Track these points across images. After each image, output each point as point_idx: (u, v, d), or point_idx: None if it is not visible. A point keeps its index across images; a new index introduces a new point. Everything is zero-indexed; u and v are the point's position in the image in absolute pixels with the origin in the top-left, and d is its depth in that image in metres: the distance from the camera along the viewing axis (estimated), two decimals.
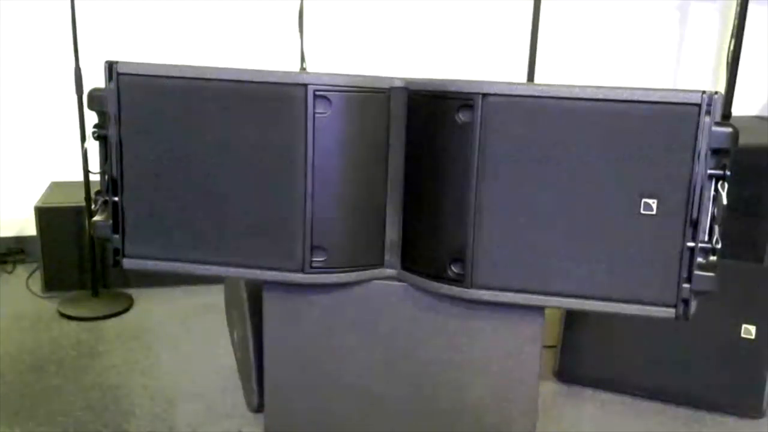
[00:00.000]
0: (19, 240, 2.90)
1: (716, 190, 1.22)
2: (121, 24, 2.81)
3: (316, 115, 1.31)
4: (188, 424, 1.83)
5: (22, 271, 2.81)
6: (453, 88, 1.30)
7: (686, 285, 1.26)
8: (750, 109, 3.24)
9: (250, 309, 1.78)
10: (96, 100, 1.37)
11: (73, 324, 2.38)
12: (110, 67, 1.34)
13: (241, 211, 1.37)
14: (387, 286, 1.45)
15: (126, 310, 2.50)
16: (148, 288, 2.65)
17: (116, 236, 1.41)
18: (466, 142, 1.29)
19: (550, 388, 2.07)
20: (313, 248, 1.37)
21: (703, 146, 1.20)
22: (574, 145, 1.25)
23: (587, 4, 3.17)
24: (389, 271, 1.44)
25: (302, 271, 1.38)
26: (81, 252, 2.57)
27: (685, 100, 1.20)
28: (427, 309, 1.44)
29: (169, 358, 2.18)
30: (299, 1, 2.58)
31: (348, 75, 1.34)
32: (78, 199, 2.47)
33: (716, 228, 1.23)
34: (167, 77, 1.34)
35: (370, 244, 1.42)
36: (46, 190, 2.74)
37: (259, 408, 1.81)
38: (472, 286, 1.34)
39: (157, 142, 1.36)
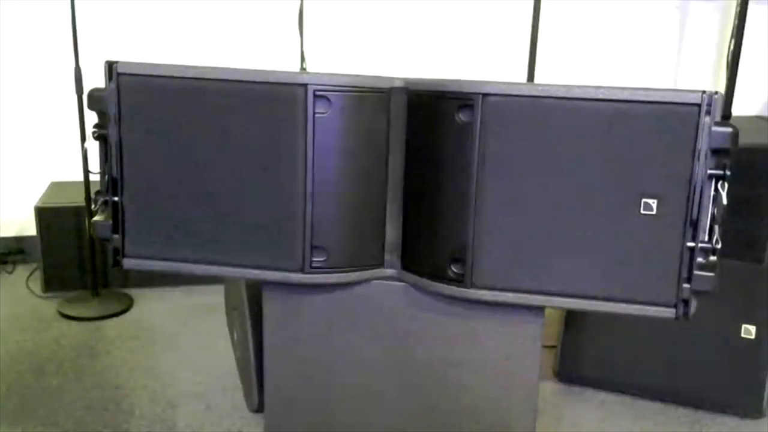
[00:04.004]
0: (19, 240, 2.91)
1: (716, 190, 1.22)
2: (121, 24, 2.81)
3: (316, 115, 1.31)
4: (188, 424, 1.83)
5: (22, 271, 2.81)
6: (453, 88, 1.30)
7: (686, 285, 1.26)
8: (750, 109, 3.24)
9: (250, 309, 1.78)
10: (96, 100, 1.37)
11: (73, 324, 2.38)
12: (110, 67, 1.34)
13: (241, 211, 1.37)
14: (387, 286, 1.45)
15: (126, 310, 2.50)
16: (148, 288, 2.65)
17: (116, 236, 1.41)
18: (466, 142, 1.29)
19: (550, 388, 2.07)
20: (313, 248, 1.37)
21: (703, 146, 1.20)
22: (574, 145, 1.25)
23: (587, 4, 3.17)
24: (389, 271, 1.44)
25: (302, 271, 1.38)
26: (81, 252, 2.57)
27: (685, 100, 1.20)
28: (427, 309, 1.43)
29: (169, 358, 2.18)
30: (299, 1, 2.58)
31: (348, 75, 1.34)
32: (78, 199, 2.47)
33: (716, 228, 1.23)
34: (167, 77, 1.34)
35: (370, 244, 1.42)
36: (46, 190, 2.74)
37: (259, 408, 1.81)
38: (472, 286, 1.34)
39: (157, 142, 1.36)
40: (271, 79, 1.31)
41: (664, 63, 3.29)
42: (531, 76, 2.55)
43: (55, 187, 2.78)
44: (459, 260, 1.34)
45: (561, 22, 3.11)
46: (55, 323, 2.39)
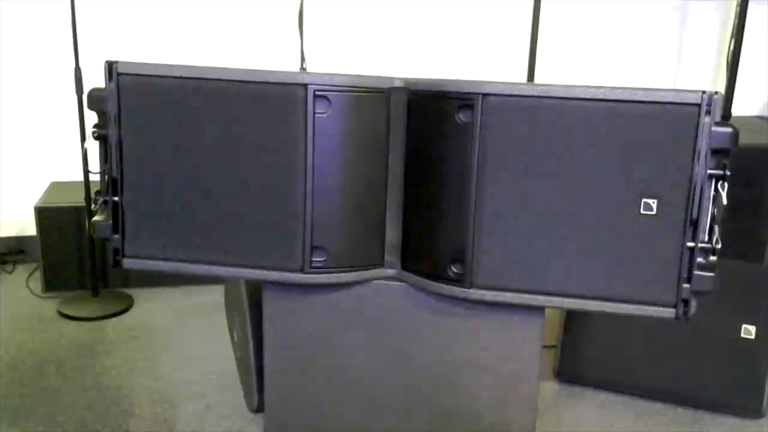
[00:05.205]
0: (19, 240, 2.91)
1: (716, 190, 1.22)
2: (121, 24, 2.81)
3: (316, 115, 1.31)
4: (188, 424, 1.83)
5: (22, 271, 2.81)
6: (453, 88, 1.30)
7: (686, 285, 1.26)
8: (750, 109, 3.24)
9: (250, 309, 1.78)
10: (96, 100, 1.37)
11: (73, 324, 2.38)
12: (110, 67, 1.34)
13: (241, 211, 1.37)
14: (387, 286, 1.45)
15: (126, 310, 2.50)
16: (148, 288, 2.65)
17: (116, 236, 1.41)
18: (466, 142, 1.29)
19: (550, 388, 2.07)
20: (313, 248, 1.37)
21: (703, 146, 1.20)
22: (574, 146, 1.25)
23: (587, 4, 3.17)
24: (389, 271, 1.44)
25: (302, 271, 1.38)
26: (81, 252, 2.57)
27: (685, 100, 1.20)
28: (427, 309, 1.44)
29: (169, 358, 2.18)
30: (299, 1, 2.58)
31: (348, 75, 1.34)
32: (78, 199, 2.48)
33: (716, 228, 1.23)
34: (167, 77, 1.34)
35: (370, 244, 1.42)
36: (46, 190, 2.74)
37: (259, 408, 1.81)
38: (472, 286, 1.34)
39: (157, 142, 1.36)
40: (271, 79, 1.31)
41: (664, 63, 3.29)
42: (531, 76, 2.55)
43: (55, 187, 2.78)
44: (459, 260, 1.34)
45: (561, 22, 3.11)
46: (55, 323, 2.39)
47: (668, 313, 1.28)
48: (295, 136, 1.33)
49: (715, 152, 1.21)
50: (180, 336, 2.33)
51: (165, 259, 1.42)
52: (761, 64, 3.25)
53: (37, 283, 2.65)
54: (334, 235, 1.37)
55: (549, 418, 1.92)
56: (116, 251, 1.42)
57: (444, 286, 1.37)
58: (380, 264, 1.44)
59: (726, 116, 2.27)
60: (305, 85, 1.30)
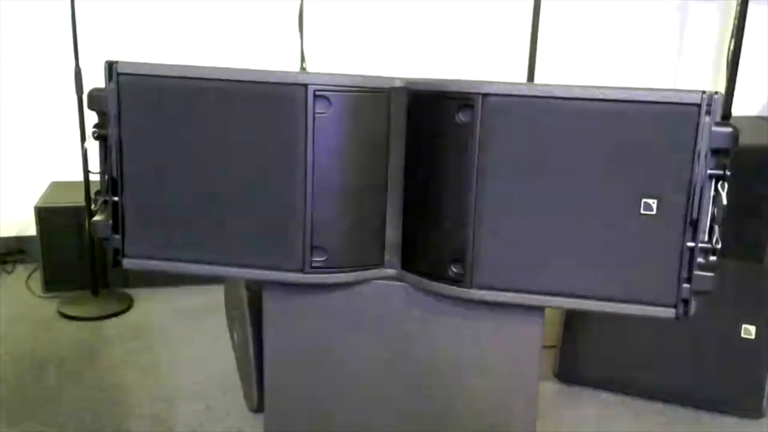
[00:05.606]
0: (19, 240, 2.91)
1: (716, 190, 1.22)
2: (121, 24, 2.81)
3: (316, 115, 1.31)
4: (188, 424, 1.83)
5: (22, 271, 2.81)
6: (453, 88, 1.30)
7: (686, 285, 1.26)
8: (750, 109, 3.24)
9: (250, 309, 1.78)
10: (96, 100, 1.37)
11: (73, 324, 2.38)
12: (110, 67, 1.34)
13: (241, 211, 1.37)
14: (387, 286, 1.45)
15: (126, 310, 2.50)
16: (148, 288, 2.65)
17: (116, 236, 1.41)
18: (466, 142, 1.29)
19: (550, 388, 2.07)
20: (313, 248, 1.37)
21: (703, 146, 1.20)
22: (573, 146, 1.25)
23: (587, 4, 3.17)
24: (389, 271, 1.44)
25: (302, 271, 1.38)
26: (81, 252, 2.57)
27: (685, 100, 1.20)
28: (427, 309, 1.43)
29: (169, 358, 2.18)
30: (299, 1, 2.58)
31: (348, 75, 1.34)
32: (78, 199, 2.48)
33: (716, 228, 1.23)
34: (167, 77, 1.33)
35: (370, 244, 1.42)
36: (46, 190, 2.74)
37: (259, 408, 1.81)
38: (472, 286, 1.34)
39: (157, 142, 1.36)
40: (271, 79, 1.31)
41: (664, 63, 3.29)
42: (531, 76, 2.55)
43: (55, 187, 2.78)
44: (459, 260, 1.33)
45: (561, 22, 3.11)
46: (55, 323, 2.39)
47: (668, 313, 1.28)
48: (295, 136, 1.33)
49: (715, 152, 1.21)
50: (180, 336, 2.33)
51: (165, 259, 1.41)
52: (761, 64, 3.25)
53: (37, 283, 2.65)
54: (334, 235, 1.37)
55: (549, 418, 1.92)
56: (116, 251, 1.42)
57: (444, 286, 1.36)
58: (380, 264, 1.44)
59: (726, 116, 2.27)
60: (305, 85, 1.30)
